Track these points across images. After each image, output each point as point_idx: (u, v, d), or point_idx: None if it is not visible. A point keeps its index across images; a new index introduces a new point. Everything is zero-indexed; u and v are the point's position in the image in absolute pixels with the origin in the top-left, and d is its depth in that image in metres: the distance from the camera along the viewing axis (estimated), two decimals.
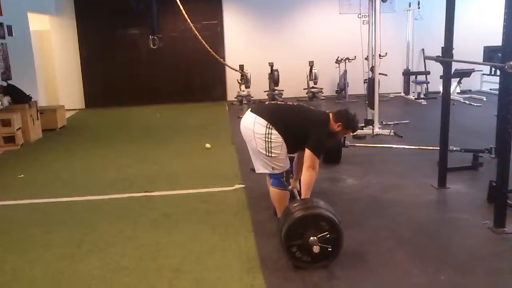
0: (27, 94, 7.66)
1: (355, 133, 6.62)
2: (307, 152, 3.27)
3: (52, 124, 8.22)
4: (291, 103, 3.69)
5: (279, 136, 3.32)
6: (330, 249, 2.88)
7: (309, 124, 3.36)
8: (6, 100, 7.31)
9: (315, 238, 2.84)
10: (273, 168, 3.39)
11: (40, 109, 8.01)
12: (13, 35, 8.14)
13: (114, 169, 5.60)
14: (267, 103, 3.65)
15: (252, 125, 3.40)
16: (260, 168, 3.49)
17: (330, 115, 3.46)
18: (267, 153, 3.34)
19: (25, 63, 8.73)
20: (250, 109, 3.58)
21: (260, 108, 3.54)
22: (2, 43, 7.74)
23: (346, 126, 3.45)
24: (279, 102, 3.64)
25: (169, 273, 2.98)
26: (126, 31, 11.11)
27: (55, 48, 10.97)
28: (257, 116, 3.41)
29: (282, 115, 3.45)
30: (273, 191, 3.46)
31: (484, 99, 9.83)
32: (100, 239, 3.55)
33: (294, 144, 3.40)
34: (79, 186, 4.93)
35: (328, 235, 2.87)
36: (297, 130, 3.36)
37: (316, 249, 2.81)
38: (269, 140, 3.31)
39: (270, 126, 3.33)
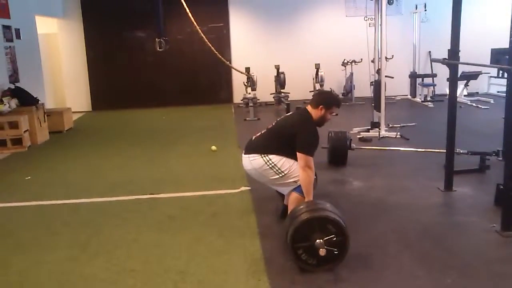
0: (35, 96, 7.72)
1: (361, 136, 6.63)
2: (298, 154, 3.30)
3: (59, 126, 8.26)
4: (270, 126, 3.69)
5: (278, 156, 3.36)
6: (336, 252, 2.87)
7: (294, 131, 3.40)
8: (13, 102, 7.35)
9: (321, 241, 2.83)
10: (295, 182, 3.42)
11: (47, 111, 8.06)
12: (21, 38, 8.21)
13: (120, 171, 5.62)
14: (253, 138, 3.68)
15: (250, 164, 3.51)
16: (286, 189, 3.54)
17: (308, 106, 3.51)
18: (280, 175, 3.42)
19: (32, 66, 8.79)
20: (243, 152, 3.63)
21: (249, 147, 3.60)
22: (10, 46, 7.80)
23: (329, 104, 3.47)
24: (262, 132, 3.66)
25: (175, 275, 2.98)
26: (132, 33, 11.18)
27: (62, 51, 11.04)
28: (250, 155, 3.51)
29: (269, 141, 3.51)
30: (295, 196, 3.44)
31: (492, 102, 9.78)
32: (105, 241, 3.56)
33: (295, 157, 3.39)
34: (85, 188, 4.95)
35: (334, 238, 2.86)
36: (288, 143, 3.38)
37: (322, 252, 2.80)
38: (272, 164, 3.39)
39: (265, 155, 3.39)
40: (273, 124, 3.71)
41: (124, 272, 3.05)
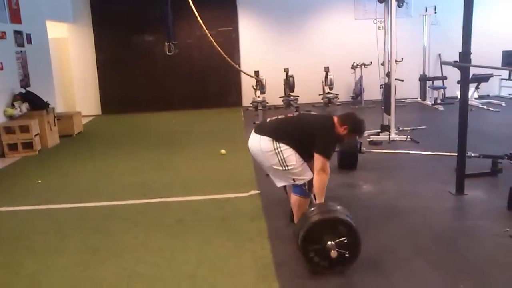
0: (45, 100, 7.76)
1: (371, 140, 6.59)
2: (316, 155, 3.24)
3: (69, 130, 8.30)
4: (291, 115, 3.67)
5: (288, 146, 3.31)
6: (348, 255, 2.85)
7: (314, 131, 3.34)
8: (24, 106, 7.41)
9: (332, 243, 2.81)
10: (294, 180, 3.38)
11: (57, 115, 8.11)
12: (32, 43, 8.27)
13: (129, 175, 5.63)
14: (268, 120, 3.63)
15: (259, 145, 3.40)
16: (281, 182, 3.49)
17: (335, 118, 3.42)
18: (283, 168, 3.33)
19: (43, 70, 8.84)
20: (253, 130, 3.57)
21: (262, 127, 3.53)
22: (21, 51, 7.86)
23: (353, 129, 3.38)
24: (279, 117, 3.61)
25: (184, 279, 2.98)
26: (142, 37, 11.21)
27: (72, 55, 11.11)
28: (262, 136, 3.42)
29: (286, 129, 3.44)
30: (295, 198, 3.44)
31: (503, 104, 9.68)
32: (115, 245, 3.57)
33: (304, 154, 3.35)
34: (95, 192, 4.97)
35: (345, 240, 2.84)
36: (304, 139, 3.33)
37: (333, 253, 2.79)
38: (281, 153, 3.30)
39: (276, 141, 3.32)
40: (294, 114, 3.66)
41: (134, 276, 3.05)
